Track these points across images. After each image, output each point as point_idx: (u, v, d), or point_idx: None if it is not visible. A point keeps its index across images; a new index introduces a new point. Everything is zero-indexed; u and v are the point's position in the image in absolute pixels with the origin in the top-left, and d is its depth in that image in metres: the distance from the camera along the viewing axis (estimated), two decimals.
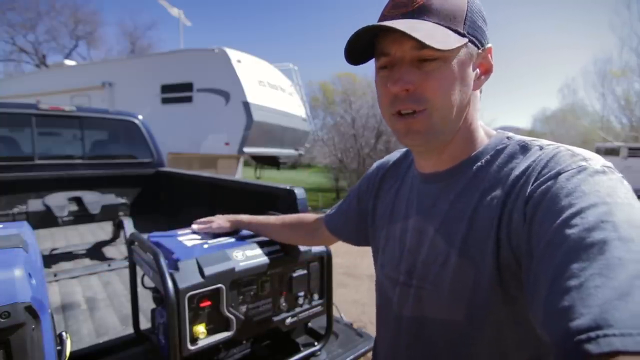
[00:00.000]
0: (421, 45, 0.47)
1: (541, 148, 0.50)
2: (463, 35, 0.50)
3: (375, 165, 0.79)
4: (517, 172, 0.48)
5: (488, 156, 0.54)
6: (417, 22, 0.48)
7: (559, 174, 0.43)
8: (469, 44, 0.51)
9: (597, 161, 0.44)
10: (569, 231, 0.37)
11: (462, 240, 0.51)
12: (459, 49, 0.49)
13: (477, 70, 0.54)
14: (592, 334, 0.28)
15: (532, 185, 0.45)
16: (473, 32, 0.51)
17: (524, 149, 0.51)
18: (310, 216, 1.03)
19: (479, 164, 0.54)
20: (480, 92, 0.57)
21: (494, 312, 0.48)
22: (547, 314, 0.34)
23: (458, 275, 0.51)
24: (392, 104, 0.53)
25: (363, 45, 0.53)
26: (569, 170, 0.43)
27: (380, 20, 0.53)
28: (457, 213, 0.53)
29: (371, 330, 0.75)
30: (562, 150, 0.47)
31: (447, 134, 0.53)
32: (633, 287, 0.30)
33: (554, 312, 0.33)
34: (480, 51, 0.53)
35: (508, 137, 0.55)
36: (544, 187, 0.43)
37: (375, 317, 0.71)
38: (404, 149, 0.75)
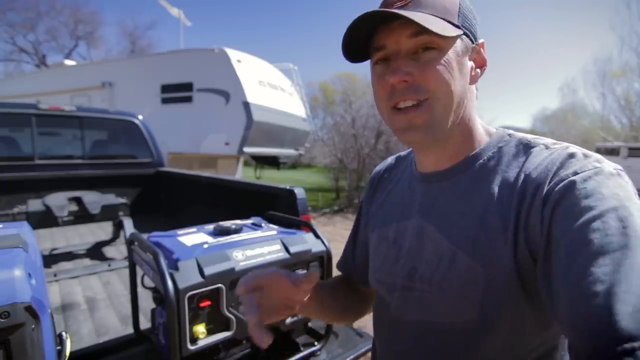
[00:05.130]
0: (418, 32, 0.47)
1: (547, 147, 0.50)
2: (458, 27, 0.50)
3: (370, 179, 0.77)
4: (528, 172, 0.48)
5: (490, 153, 0.54)
6: (414, 12, 0.48)
7: (575, 173, 0.43)
8: (464, 36, 0.51)
9: (609, 163, 0.45)
10: (591, 235, 0.37)
11: (471, 241, 0.49)
12: (455, 39, 0.50)
13: (472, 63, 0.54)
14: (628, 346, 0.30)
15: (548, 185, 0.44)
16: (467, 25, 0.51)
17: (527, 147, 0.51)
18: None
19: (482, 161, 0.53)
20: (477, 89, 0.57)
21: (507, 312, 0.47)
22: (576, 317, 0.35)
23: (468, 276, 0.49)
24: (390, 97, 0.51)
25: (360, 43, 0.53)
26: (585, 171, 0.43)
27: None
28: (463, 213, 0.52)
29: (371, 330, 0.73)
30: (573, 150, 0.47)
31: (446, 127, 0.52)
32: None
33: (583, 317, 0.34)
34: (474, 45, 0.53)
35: (509, 135, 0.55)
36: (560, 186, 0.43)
37: (373, 321, 0.69)
38: (396, 155, 0.74)
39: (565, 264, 0.38)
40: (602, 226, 0.37)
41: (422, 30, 0.46)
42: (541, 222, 0.43)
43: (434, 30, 0.45)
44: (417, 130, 0.51)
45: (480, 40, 0.55)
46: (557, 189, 0.43)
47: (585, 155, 0.46)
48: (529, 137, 0.54)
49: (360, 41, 0.52)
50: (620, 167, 0.44)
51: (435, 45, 0.48)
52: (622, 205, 0.38)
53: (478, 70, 0.55)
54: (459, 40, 0.50)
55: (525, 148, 0.51)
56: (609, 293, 0.33)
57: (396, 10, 0.47)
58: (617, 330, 0.31)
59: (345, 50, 0.54)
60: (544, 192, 0.44)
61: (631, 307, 0.31)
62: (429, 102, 0.49)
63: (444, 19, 0.49)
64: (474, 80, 0.54)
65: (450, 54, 0.49)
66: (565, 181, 0.43)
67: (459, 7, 0.51)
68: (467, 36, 0.52)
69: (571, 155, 0.46)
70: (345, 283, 0.77)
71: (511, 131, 0.56)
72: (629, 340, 0.30)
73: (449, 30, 0.48)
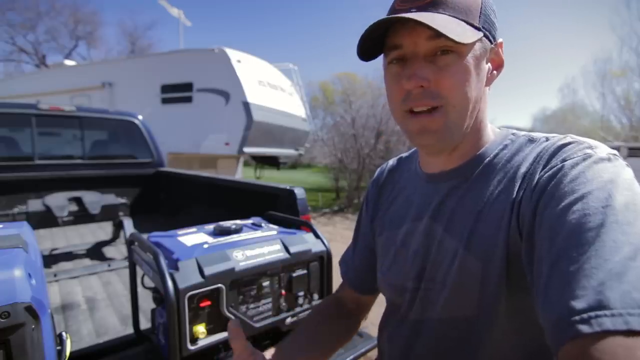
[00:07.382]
0: (437, 35, 0.45)
1: (547, 139, 0.50)
2: (478, 29, 0.48)
3: (370, 184, 0.76)
4: (526, 163, 0.49)
5: (496, 151, 0.54)
6: (432, 14, 0.46)
7: (564, 161, 0.43)
8: (484, 38, 0.49)
9: (603, 149, 0.44)
10: (570, 217, 0.37)
11: (468, 235, 0.50)
12: (474, 43, 0.48)
13: (489, 65, 0.53)
14: (585, 315, 0.30)
15: (540, 173, 0.45)
16: (487, 26, 0.50)
17: (531, 141, 0.52)
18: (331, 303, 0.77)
19: (487, 159, 0.54)
20: (489, 89, 0.56)
21: (505, 303, 0.48)
22: (546, 297, 0.35)
23: (465, 270, 0.50)
24: (405, 101, 0.50)
25: (374, 41, 0.51)
26: (574, 158, 0.43)
27: (391, 14, 0.50)
28: (466, 209, 0.52)
29: (371, 330, 0.73)
30: (569, 139, 0.47)
31: (461, 132, 0.52)
32: (627, 267, 0.31)
33: (552, 296, 0.34)
34: (492, 46, 0.52)
35: (513, 134, 0.56)
36: (550, 173, 0.43)
37: (379, 325, 0.68)
38: (397, 157, 0.74)
39: (546, 248, 0.38)
40: (581, 207, 0.37)
41: (441, 33, 0.45)
42: (529, 210, 0.44)
43: (452, 37, 0.44)
44: (431, 134, 0.50)
45: (499, 40, 0.53)
46: (545, 176, 0.44)
47: (579, 143, 0.46)
48: (532, 133, 0.54)
49: (373, 39, 0.51)
50: (614, 152, 0.44)
51: (454, 49, 0.47)
52: (604, 186, 0.38)
53: (495, 72, 0.54)
54: (478, 43, 0.49)
55: (528, 143, 0.52)
56: (578, 270, 0.33)
57: (412, 15, 0.45)
58: (579, 303, 0.31)
59: (361, 52, 0.52)
60: (535, 180, 0.45)
61: (597, 281, 0.31)
62: (444, 108, 0.49)
63: (464, 21, 0.47)
64: (489, 82, 0.53)
65: (469, 58, 0.48)
66: (554, 168, 0.43)
67: (481, 7, 0.49)
68: (487, 37, 0.50)
69: (565, 144, 0.46)
70: (329, 311, 0.73)
71: (514, 130, 0.57)
72: (588, 311, 0.30)
73: (468, 35, 0.46)
